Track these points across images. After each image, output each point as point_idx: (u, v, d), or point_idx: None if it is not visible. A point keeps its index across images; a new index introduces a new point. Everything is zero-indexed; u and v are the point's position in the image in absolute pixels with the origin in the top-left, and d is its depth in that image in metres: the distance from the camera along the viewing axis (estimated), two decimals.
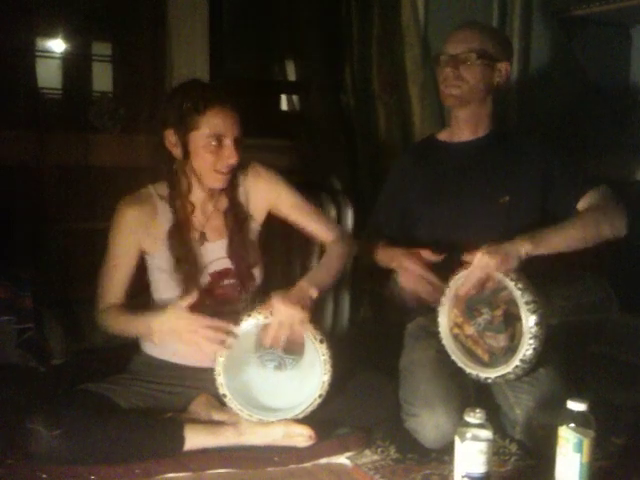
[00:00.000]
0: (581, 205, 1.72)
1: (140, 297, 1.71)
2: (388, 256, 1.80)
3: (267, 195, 1.73)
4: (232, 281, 1.67)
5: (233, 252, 1.67)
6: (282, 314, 1.49)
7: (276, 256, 2.20)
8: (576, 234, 1.62)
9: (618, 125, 2.77)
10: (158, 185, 1.67)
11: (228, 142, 1.57)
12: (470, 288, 1.56)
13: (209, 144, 1.56)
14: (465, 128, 1.84)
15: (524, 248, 1.54)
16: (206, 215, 1.68)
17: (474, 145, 1.83)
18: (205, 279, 1.65)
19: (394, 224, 1.91)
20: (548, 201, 1.77)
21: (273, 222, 1.80)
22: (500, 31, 1.78)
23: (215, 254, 1.67)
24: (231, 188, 1.69)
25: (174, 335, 1.53)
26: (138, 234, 1.63)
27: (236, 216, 1.69)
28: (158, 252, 1.64)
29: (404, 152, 2.16)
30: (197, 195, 1.66)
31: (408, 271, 1.71)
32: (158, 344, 1.59)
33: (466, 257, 1.56)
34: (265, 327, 1.54)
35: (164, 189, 1.66)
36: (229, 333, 1.52)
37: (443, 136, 1.92)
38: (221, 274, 1.66)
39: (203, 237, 1.67)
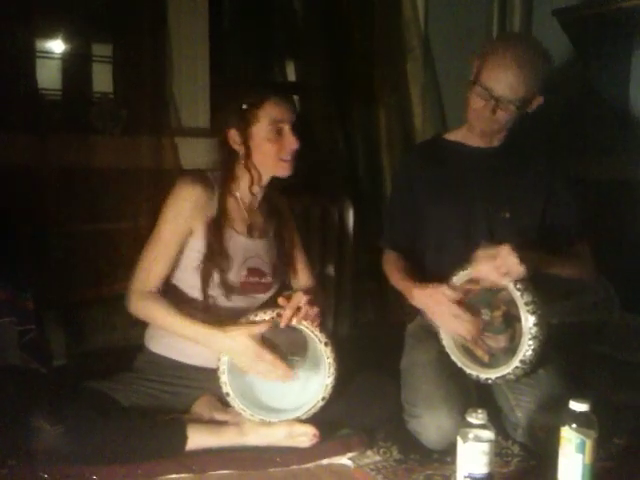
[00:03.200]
0: (576, 249, 1.77)
1: None
2: (422, 299, 1.71)
3: (287, 222, 1.81)
4: (261, 280, 1.69)
5: (269, 251, 1.72)
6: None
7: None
8: (565, 271, 1.69)
9: (618, 126, 2.78)
10: (216, 173, 1.69)
11: (287, 129, 1.65)
12: (484, 277, 1.56)
13: (270, 134, 1.63)
14: (482, 139, 1.81)
15: (537, 267, 1.56)
16: (253, 209, 1.72)
17: (486, 154, 1.81)
18: (243, 272, 1.66)
19: (409, 229, 1.88)
20: (546, 218, 1.78)
21: None
22: (546, 63, 1.71)
23: (254, 251, 1.69)
24: (272, 193, 1.75)
25: (233, 357, 1.54)
26: (194, 216, 1.61)
27: (276, 216, 1.76)
28: (200, 236, 1.63)
29: (408, 154, 2.15)
30: (246, 192, 1.69)
31: (444, 314, 1.65)
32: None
33: (488, 250, 1.55)
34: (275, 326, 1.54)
35: (219, 177, 1.68)
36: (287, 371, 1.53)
37: (454, 136, 1.88)
38: (254, 272, 1.68)
39: (251, 230, 1.70)
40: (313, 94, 2.48)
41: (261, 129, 1.63)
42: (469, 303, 1.63)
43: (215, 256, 1.61)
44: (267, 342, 1.55)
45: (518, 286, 1.53)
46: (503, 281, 1.54)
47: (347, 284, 2.43)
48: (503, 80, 1.64)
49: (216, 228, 1.63)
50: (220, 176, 1.68)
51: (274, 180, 1.71)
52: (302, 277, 1.84)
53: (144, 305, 1.59)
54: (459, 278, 1.63)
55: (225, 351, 1.55)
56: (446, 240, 1.78)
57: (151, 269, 1.61)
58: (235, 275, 1.65)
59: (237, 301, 1.66)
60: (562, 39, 2.77)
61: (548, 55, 1.74)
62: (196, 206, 1.61)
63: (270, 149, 1.64)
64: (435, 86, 2.58)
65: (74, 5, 2.24)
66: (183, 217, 1.61)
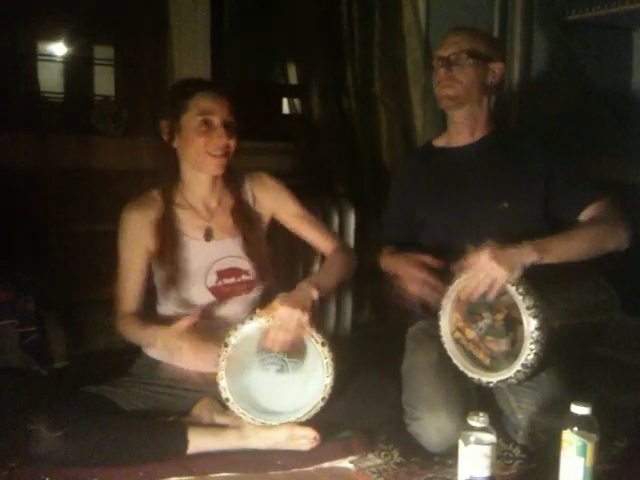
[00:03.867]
0: (586, 215, 1.71)
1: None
2: (393, 263, 1.81)
3: (271, 203, 1.77)
4: (240, 279, 1.68)
5: (250, 250, 1.69)
6: (282, 316, 1.50)
7: (278, 262, 2.20)
8: (581, 246, 1.62)
9: (619, 128, 2.78)
10: (162, 189, 1.69)
11: (217, 123, 1.60)
12: (473, 292, 1.56)
13: (199, 126, 1.60)
14: (462, 131, 1.83)
15: (530, 258, 1.53)
16: (210, 211, 1.69)
17: (471, 150, 1.83)
18: (212, 277, 1.65)
19: (405, 234, 1.90)
20: (551, 208, 1.76)
21: (276, 229, 1.81)
22: (491, 34, 1.81)
23: (222, 252, 1.67)
24: (235, 187, 1.72)
25: (166, 352, 1.57)
26: (143, 236, 1.65)
27: (246, 215, 1.71)
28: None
29: (403, 160, 2.16)
30: (198, 185, 1.68)
31: (412, 277, 1.71)
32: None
33: (469, 260, 1.55)
34: (267, 330, 1.54)
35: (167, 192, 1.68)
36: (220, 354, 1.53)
37: (440, 142, 1.92)
38: (228, 272, 1.67)
39: (209, 233, 1.68)
40: (314, 95, 2.48)
41: (189, 119, 1.60)
42: (471, 306, 1.63)
43: (166, 260, 1.63)
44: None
45: (520, 290, 1.52)
46: (493, 291, 1.54)
47: (347, 285, 2.42)
48: (445, 40, 1.80)
49: (161, 232, 1.64)
50: (165, 179, 1.68)
51: (227, 176, 1.69)
52: (320, 245, 1.80)
53: (122, 329, 1.66)
54: (455, 286, 1.63)
55: (169, 345, 1.54)
56: (448, 241, 1.78)
57: (123, 296, 1.67)
58: (200, 281, 1.64)
59: (223, 305, 1.66)
60: (563, 40, 2.78)
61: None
62: (141, 229, 1.64)
63: (197, 141, 1.60)
64: None
65: (75, 8, 2.24)
66: (133, 243, 1.65)
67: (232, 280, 1.67)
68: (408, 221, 1.89)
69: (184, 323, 1.52)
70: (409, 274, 1.72)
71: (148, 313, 1.71)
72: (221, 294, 1.66)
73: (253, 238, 1.70)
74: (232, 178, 1.72)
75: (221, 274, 1.66)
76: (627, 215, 1.71)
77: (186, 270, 1.65)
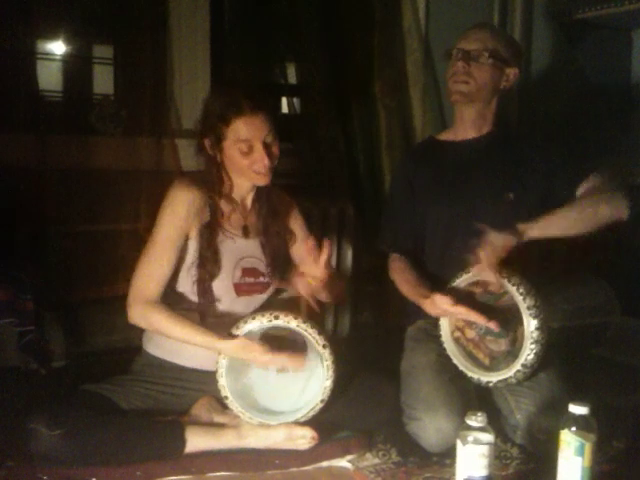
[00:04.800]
0: (581, 189, 1.70)
1: None
2: (415, 298, 1.74)
3: (293, 223, 1.79)
4: (257, 280, 1.69)
5: (264, 251, 1.70)
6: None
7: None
8: (574, 215, 1.61)
9: (618, 127, 2.78)
10: (204, 180, 1.67)
11: (258, 146, 1.60)
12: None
13: (240, 150, 1.60)
14: (469, 127, 1.84)
15: (520, 228, 1.55)
16: (247, 210, 1.71)
17: (478, 143, 1.83)
18: (238, 273, 1.66)
19: (410, 230, 1.89)
20: (550, 191, 1.75)
21: None
22: (513, 38, 1.80)
23: (249, 251, 1.68)
24: (270, 193, 1.73)
25: (243, 356, 1.55)
26: (191, 218, 1.60)
27: (272, 215, 1.73)
28: (193, 241, 1.62)
29: (404, 156, 2.16)
30: (239, 187, 1.68)
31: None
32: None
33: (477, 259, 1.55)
34: (269, 329, 1.55)
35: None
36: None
37: (445, 136, 1.92)
38: (250, 272, 1.68)
39: (246, 231, 1.69)
40: (314, 95, 2.48)
41: (230, 146, 1.60)
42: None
43: (207, 262, 1.61)
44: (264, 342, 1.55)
45: (520, 290, 1.53)
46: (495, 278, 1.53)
47: (347, 285, 2.42)
48: (469, 34, 1.80)
49: (208, 232, 1.62)
50: (209, 179, 1.66)
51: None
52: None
53: (147, 313, 1.56)
54: (461, 281, 1.63)
55: (230, 353, 1.54)
56: (453, 234, 1.78)
57: (151, 276, 1.57)
58: (228, 276, 1.64)
59: (236, 302, 1.66)
60: (562, 40, 2.78)
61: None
62: (192, 210, 1.60)
63: (241, 163, 1.61)
64: (435, 88, 2.58)
65: (75, 7, 2.24)
66: (180, 221, 1.59)
67: (252, 279, 1.68)
68: (410, 215, 1.88)
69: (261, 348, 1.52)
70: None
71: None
72: (241, 291, 1.67)
73: (278, 243, 1.73)
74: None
75: (245, 272, 1.67)
76: (624, 185, 1.69)
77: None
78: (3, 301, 1.90)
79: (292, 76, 2.67)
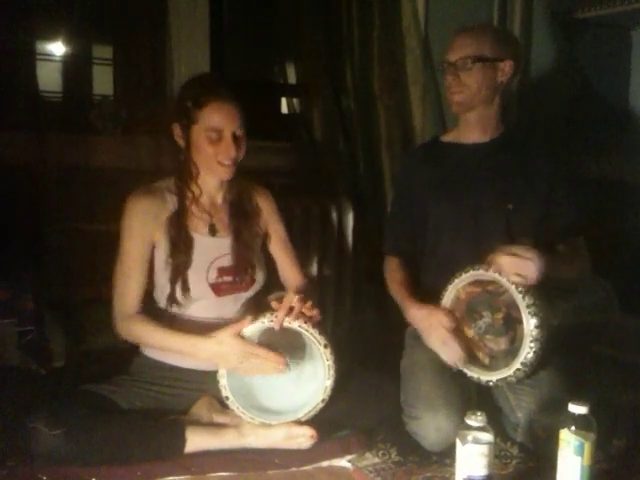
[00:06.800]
0: (569, 243, 1.78)
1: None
2: (405, 307, 1.77)
3: (268, 216, 1.78)
4: (236, 278, 1.67)
5: (237, 248, 1.68)
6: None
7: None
8: (562, 272, 1.67)
9: (617, 127, 2.78)
10: (167, 180, 1.69)
11: (227, 135, 1.60)
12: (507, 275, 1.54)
13: (208, 137, 1.60)
14: (474, 130, 1.83)
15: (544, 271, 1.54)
16: (215, 207, 1.70)
17: (482, 148, 1.82)
18: (213, 273, 1.65)
19: (411, 232, 1.89)
20: (548, 215, 1.78)
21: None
22: (502, 30, 1.79)
23: (223, 249, 1.67)
24: (241, 188, 1.72)
25: (222, 361, 1.54)
26: (150, 227, 1.62)
27: (243, 212, 1.72)
28: (162, 242, 1.63)
29: (406, 156, 2.15)
30: (206, 184, 1.68)
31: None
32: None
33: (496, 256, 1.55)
34: (268, 330, 1.54)
35: (171, 184, 1.67)
36: (279, 359, 1.53)
37: (449, 137, 1.91)
38: (228, 270, 1.66)
39: (213, 229, 1.68)
40: (313, 95, 2.48)
41: (199, 130, 1.60)
42: (470, 305, 1.63)
43: (179, 251, 1.61)
44: (263, 343, 1.55)
45: (520, 288, 1.53)
46: (515, 280, 1.53)
47: (346, 285, 2.43)
48: (451, 44, 1.79)
49: (175, 227, 1.62)
50: (176, 169, 1.67)
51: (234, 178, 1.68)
52: (290, 274, 1.81)
53: (130, 328, 1.60)
54: (462, 279, 1.63)
55: (213, 356, 1.53)
56: (452, 238, 1.78)
57: (126, 293, 1.60)
58: (201, 277, 1.63)
59: (220, 302, 1.65)
60: (562, 40, 2.78)
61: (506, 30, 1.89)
62: (149, 218, 1.61)
63: (207, 151, 1.61)
64: (435, 87, 2.58)
65: (74, 7, 2.24)
66: (139, 233, 1.61)
67: (230, 278, 1.66)
68: (411, 218, 1.88)
69: (242, 325, 1.51)
70: (430, 335, 1.68)
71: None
72: (220, 291, 1.65)
73: (250, 241, 1.70)
74: (239, 178, 1.71)
75: (221, 271, 1.66)
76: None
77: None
78: (3, 301, 1.91)
79: (292, 76, 2.67)
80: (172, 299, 1.62)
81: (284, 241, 1.81)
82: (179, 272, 1.61)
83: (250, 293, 1.70)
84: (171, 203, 1.65)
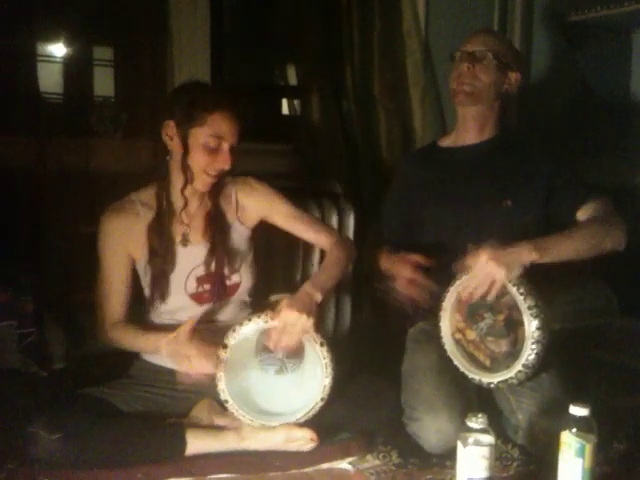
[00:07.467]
0: (582, 214, 1.72)
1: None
2: (387, 263, 1.81)
3: (259, 207, 1.74)
4: (219, 285, 1.66)
5: (211, 258, 1.65)
6: (288, 320, 1.49)
7: (277, 258, 2.20)
8: (580, 245, 1.62)
9: (618, 130, 2.78)
10: (141, 192, 1.68)
11: (225, 147, 1.60)
12: (473, 293, 1.55)
13: (208, 143, 1.58)
14: (471, 129, 1.84)
15: (530, 257, 1.53)
16: (189, 216, 1.68)
17: (479, 149, 1.84)
18: (192, 283, 1.64)
19: (405, 233, 1.90)
20: (549, 207, 1.77)
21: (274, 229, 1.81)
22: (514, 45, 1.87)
23: (198, 259, 1.65)
24: (215, 193, 1.69)
25: (173, 359, 1.55)
26: (124, 242, 1.63)
27: (218, 221, 1.68)
28: (142, 256, 1.64)
29: (405, 159, 2.16)
30: (177, 197, 1.65)
31: (402, 276, 1.72)
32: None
33: (469, 261, 1.55)
34: (266, 331, 1.54)
35: (146, 195, 1.67)
36: (219, 355, 1.53)
37: (446, 142, 1.93)
38: (206, 279, 1.65)
39: (186, 238, 1.66)
40: (313, 96, 2.48)
41: (201, 134, 1.57)
42: (472, 307, 1.63)
43: (156, 262, 1.61)
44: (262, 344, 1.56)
45: (521, 290, 1.52)
46: (493, 292, 1.54)
47: (347, 286, 2.42)
48: (473, 37, 1.83)
49: (156, 235, 1.62)
50: (156, 183, 1.66)
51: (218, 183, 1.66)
52: (316, 241, 1.80)
53: (112, 337, 1.64)
54: (455, 287, 1.63)
55: (164, 350, 1.53)
56: (450, 239, 1.79)
57: (109, 306, 1.64)
58: (179, 288, 1.63)
59: (207, 309, 1.65)
60: (562, 42, 2.78)
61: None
62: (123, 235, 1.62)
63: (201, 158, 1.58)
64: (435, 89, 2.58)
65: (75, 8, 2.24)
66: (115, 252, 1.63)
67: (209, 286, 1.65)
68: (409, 219, 1.89)
69: (186, 328, 1.50)
70: (399, 273, 1.73)
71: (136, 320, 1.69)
72: (202, 300, 1.65)
73: (219, 246, 1.66)
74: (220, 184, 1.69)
75: (201, 280, 1.64)
76: (623, 216, 1.72)
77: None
78: (3, 303, 1.90)
79: (292, 77, 2.67)
80: (154, 308, 1.65)
81: (292, 215, 1.75)
82: (158, 280, 1.61)
83: (240, 296, 1.70)
84: (145, 217, 1.64)
